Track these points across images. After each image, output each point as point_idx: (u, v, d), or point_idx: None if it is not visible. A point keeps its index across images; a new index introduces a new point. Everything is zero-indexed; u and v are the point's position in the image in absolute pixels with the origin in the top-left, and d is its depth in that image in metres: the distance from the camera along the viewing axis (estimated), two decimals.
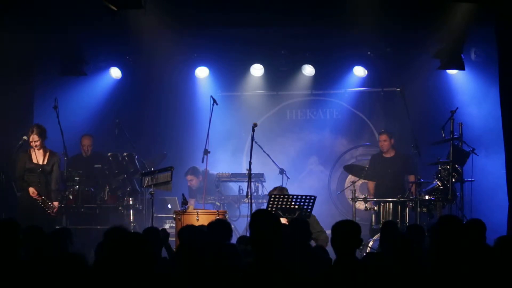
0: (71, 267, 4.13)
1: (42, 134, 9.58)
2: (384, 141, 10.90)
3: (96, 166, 10.89)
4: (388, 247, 5.45)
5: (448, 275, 4.83)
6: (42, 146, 9.64)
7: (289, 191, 9.09)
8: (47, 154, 9.66)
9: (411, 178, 10.85)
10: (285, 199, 8.49)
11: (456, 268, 4.86)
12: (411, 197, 9.87)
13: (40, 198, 9.46)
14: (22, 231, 5.62)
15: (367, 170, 10.62)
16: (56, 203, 9.60)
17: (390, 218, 9.73)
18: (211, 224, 6.37)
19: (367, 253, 8.49)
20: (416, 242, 5.67)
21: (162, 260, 5.86)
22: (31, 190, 9.48)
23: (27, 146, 9.65)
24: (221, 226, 6.27)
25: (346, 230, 4.79)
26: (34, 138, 9.54)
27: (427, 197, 9.86)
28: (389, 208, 9.90)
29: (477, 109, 11.77)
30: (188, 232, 6.04)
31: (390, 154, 10.94)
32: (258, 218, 4.67)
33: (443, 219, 5.44)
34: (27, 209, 9.47)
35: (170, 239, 7.93)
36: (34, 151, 9.60)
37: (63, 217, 10.01)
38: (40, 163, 9.61)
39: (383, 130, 11.21)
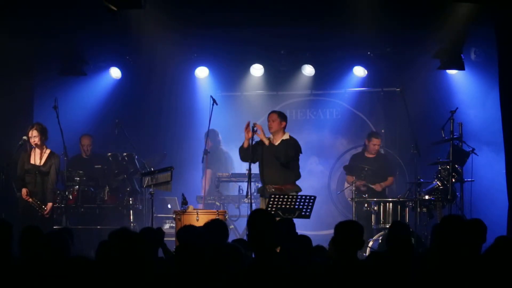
0: (78, 270, 4.13)
1: (43, 132, 9.50)
2: (378, 145, 10.90)
3: (96, 166, 10.90)
4: (394, 247, 5.45)
5: (451, 275, 4.83)
6: (42, 145, 9.58)
7: None
8: (46, 155, 9.60)
9: (390, 179, 10.86)
10: (285, 199, 8.50)
11: (459, 268, 4.86)
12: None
13: (31, 200, 9.43)
14: (20, 232, 5.62)
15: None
16: (49, 204, 9.54)
17: (390, 218, 9.74)
18: (206, 224, 6.35)
19: (371, 253, 8.49)
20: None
21: (159, 260, 5.85)
22: (24, 191, 9.44)
23: (27, 146, 9.62)
24: (217, 226, 6.26)
25: (349, 231, 4.79)
26: (33, 133, 9.44)
27: (427, 197, 9.86)
28: (389, 208, 9.91)
29: (477, 109, 11.77)
30: (186, 233, 6.03)
31: (372, 155, 10.96)
32: (257, 218, 4.68)
33: (446, 219, 5.44)
34: (25, 210, 9.47)
35: (170, 239, 7.95)
36: (34, 151, 9.57)
37: (63, 217, 10.01)
38: (37, 164, 9.56)
39: (377, 134, 11.15)
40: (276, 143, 9.23)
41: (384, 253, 6.44)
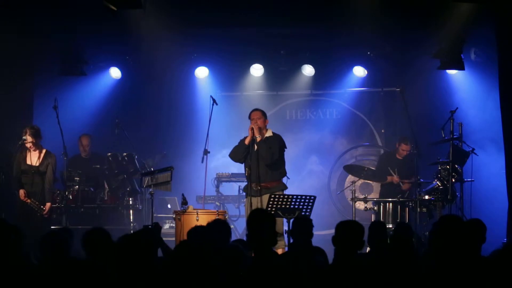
0: (77, 270, 4.12)
1: (36, 135, 9.50)
2: (406, 151, 10.76)
3: (95, 166, 10.89)
4: (376, 247, 5.48)
5: (448, 275, 4.83)
6: (37, 147, 9.58)
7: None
8: (42, 155, 9.59)
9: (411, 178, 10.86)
10: (285, 199, 8.50)
11: (456, 269, 4.85)
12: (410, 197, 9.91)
13: (28, 201, 9.42)
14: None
15: (367, 170, 10.61)
16: (48, 204, 9.54)
17: (390, 218, 9.74)
18: (209, 224, 6.35)
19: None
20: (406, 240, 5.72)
21: (159, 260, 5.84)
22: (21, 192, 9.45)
23: (25, 147, 9.62)
24: (220, 227, 6.25)
25: (349, 231, 4.79)
26: (27, 138, 9.50)
27: (427, 197, 9.86)
28: (389, 208, 9.90)
29: (477, 109, 11.77)
30: (197, 234, 6.03)
31: (401, 157, 10.93)
32: (255, 218, 4.69)
33: (444, 219, 5.44)
34: (23, 210, 9.46)
35: (169, 239, 7.94)
36: (30, 152, 9.58)
37: (63, 217, 10.01)
38: (34, 164, 9.55)
39: (407, 140, 10.78)
40: (260, 141, 9.17)
41: (367, 253, 6.46)
